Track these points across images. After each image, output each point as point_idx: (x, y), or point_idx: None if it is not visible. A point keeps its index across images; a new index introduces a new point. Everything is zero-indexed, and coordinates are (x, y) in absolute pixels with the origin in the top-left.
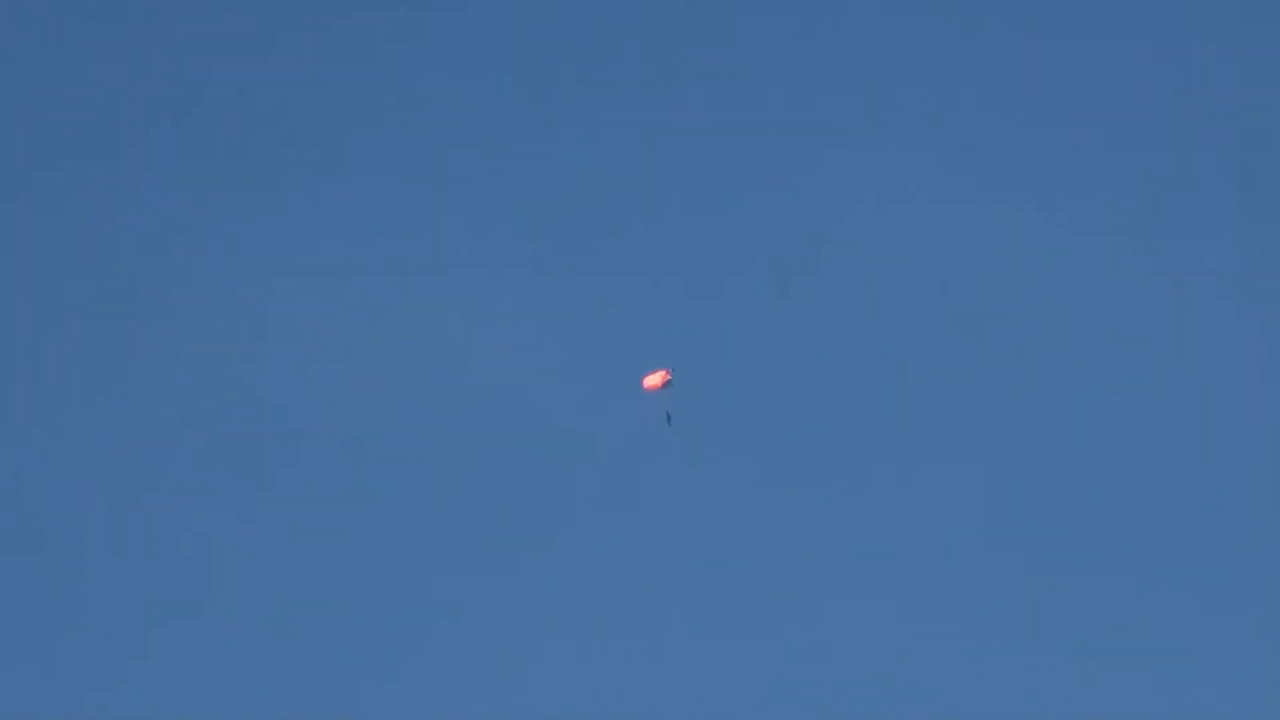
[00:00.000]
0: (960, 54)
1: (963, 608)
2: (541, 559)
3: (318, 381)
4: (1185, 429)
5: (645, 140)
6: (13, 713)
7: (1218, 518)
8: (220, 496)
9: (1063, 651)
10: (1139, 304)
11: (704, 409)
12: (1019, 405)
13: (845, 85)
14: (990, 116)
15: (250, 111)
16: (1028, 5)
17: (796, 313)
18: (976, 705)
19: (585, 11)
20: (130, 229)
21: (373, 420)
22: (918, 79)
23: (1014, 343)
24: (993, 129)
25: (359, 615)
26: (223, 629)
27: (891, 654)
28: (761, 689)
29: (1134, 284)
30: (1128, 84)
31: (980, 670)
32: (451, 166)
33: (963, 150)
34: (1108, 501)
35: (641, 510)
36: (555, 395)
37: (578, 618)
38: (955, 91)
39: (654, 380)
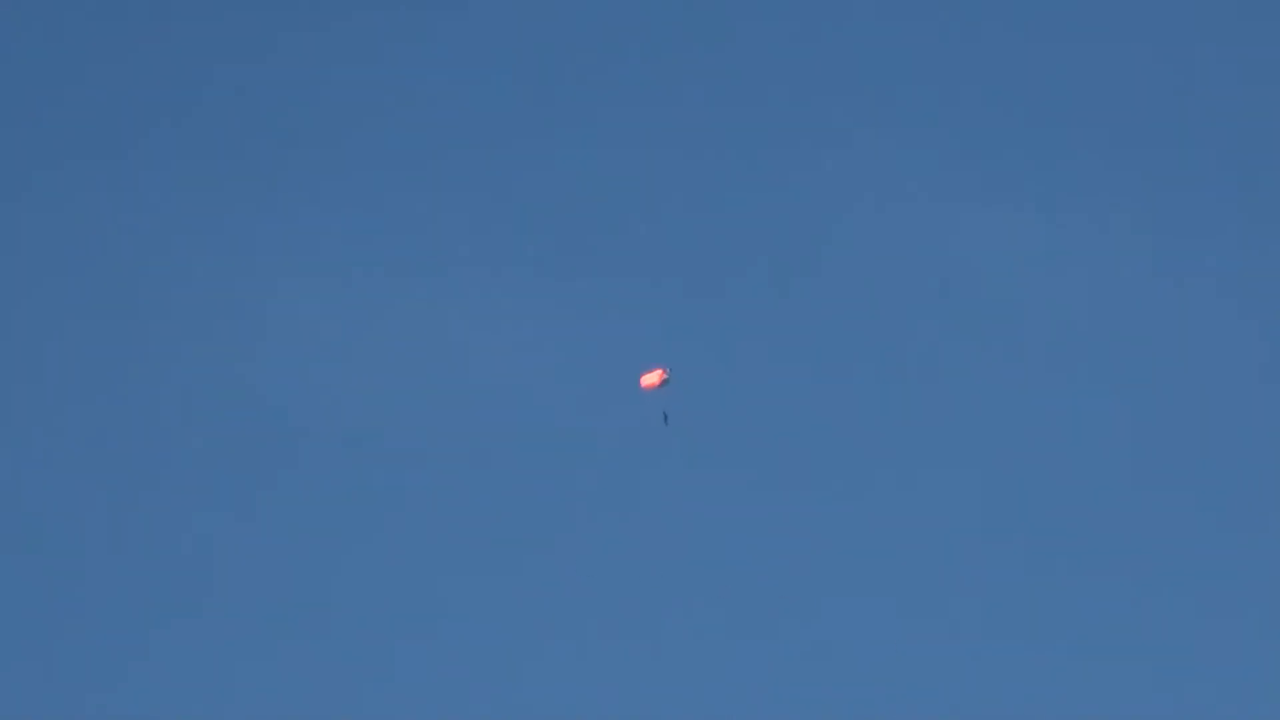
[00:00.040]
0: (960, 54)
1: (963, 608)
2: (541, 559)
3: (318, 381)
4: (1186, 428)
5: (645, 140)
6: (13, 713)
7: (1218, 518)
8: (220, 496)
9: (1063, 651)
10: (1139, 304)
11: (704, 409)
12: (1019, 405)
13: (845, 85)
14: (990, 116)
15: (250, 111)
16: (1028, 5)
17: (796, 313)
18: (976, 705)
19: (585, 12)
20: (130, 229)
21: (373, 420)
22: (918, 79)
23: (1014, 343)
24: (992, 129)
25: (359, 615)
26: (223, 629)
27: (891, 654)
28: (761, 689)
29: (1134, 284)
30: (1128, 84)
31: (980, 670)
32: (451, 166)
33: (962, 150)
34: (1108, 501)
35: (641, 510)
36: (555, 395)
37: (578, 618)
38: (955, 91)
39: (651, 379)
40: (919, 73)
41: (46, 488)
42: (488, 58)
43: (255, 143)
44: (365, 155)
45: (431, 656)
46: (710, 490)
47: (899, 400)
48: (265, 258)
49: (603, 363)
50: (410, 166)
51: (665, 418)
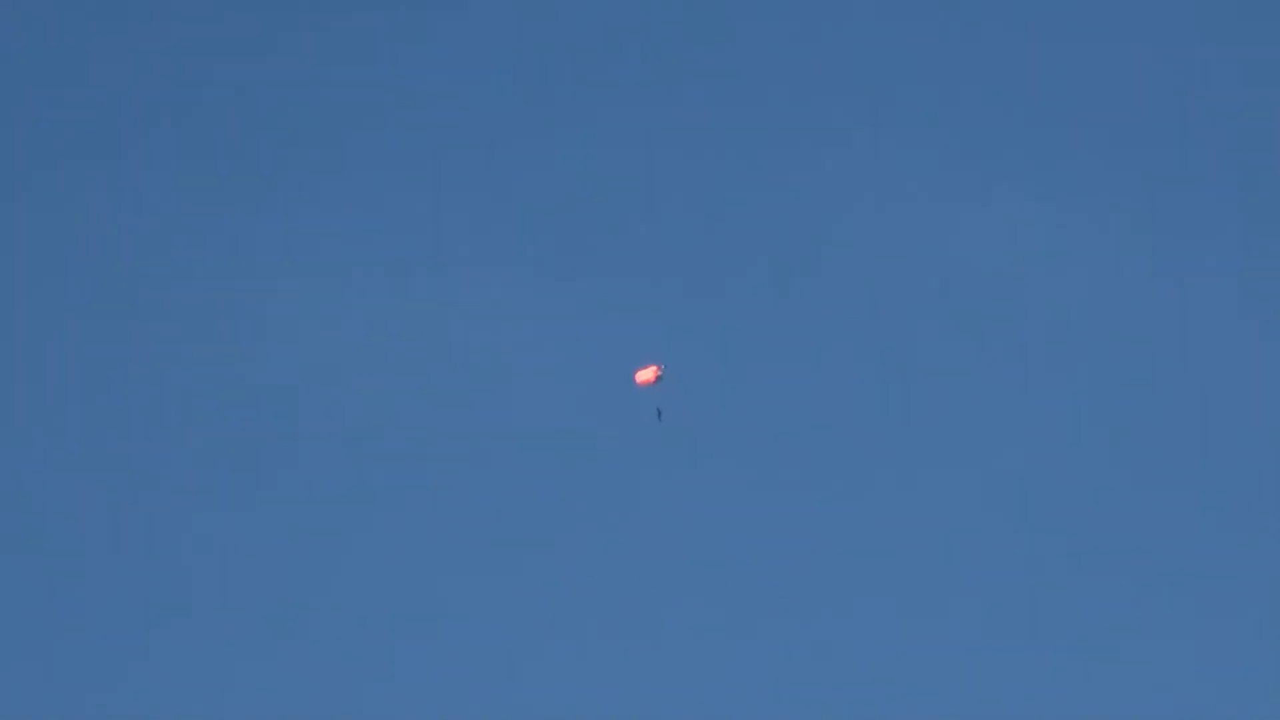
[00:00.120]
0: (960, 54)
1: (963, 608)
2: (541, 559)
3: (318, 381)
4: (1187, 428)
5: (645, 140)
6: (13, 713)
7: (1218, 517)
8: (220, 496)
9: (1063, 651)
10: (1140, 303)
11: (705, 409)
12: (1020, 405)
13: (845, 85)
14: (990, 116)
15: (250, 111)
16: (1027, 5)
17: (796, 312)
18: (976, 705)
19: (585, 12)
20: (130, 229)
21: (373, 420)
22: (917, 79)
23: (1014, 342)
24: (992, 128)
25: (359, 615)
26: (223, 629)
27: (891, 654)
28: (761, 689)
29: (1135, 283)
30: (1128, 83)
31: (980, 670)
32: (451, 166)
33: (962, 149)
34: (1108, 501)
35: (641, 510)
36: (555, 395)
37: (577, 618)
38: (955, 91)
39: (646, 375)
40: (919, 73)
41: (46, 488)
42: (488, 58)
43: (255, 143)
44: (365, 155)
45: (431, 656)
46: (710, 490)
47: (899, 400)
48: (265, 258)
49: (603, 362)
50: (410, 166)
51: (659, 414)
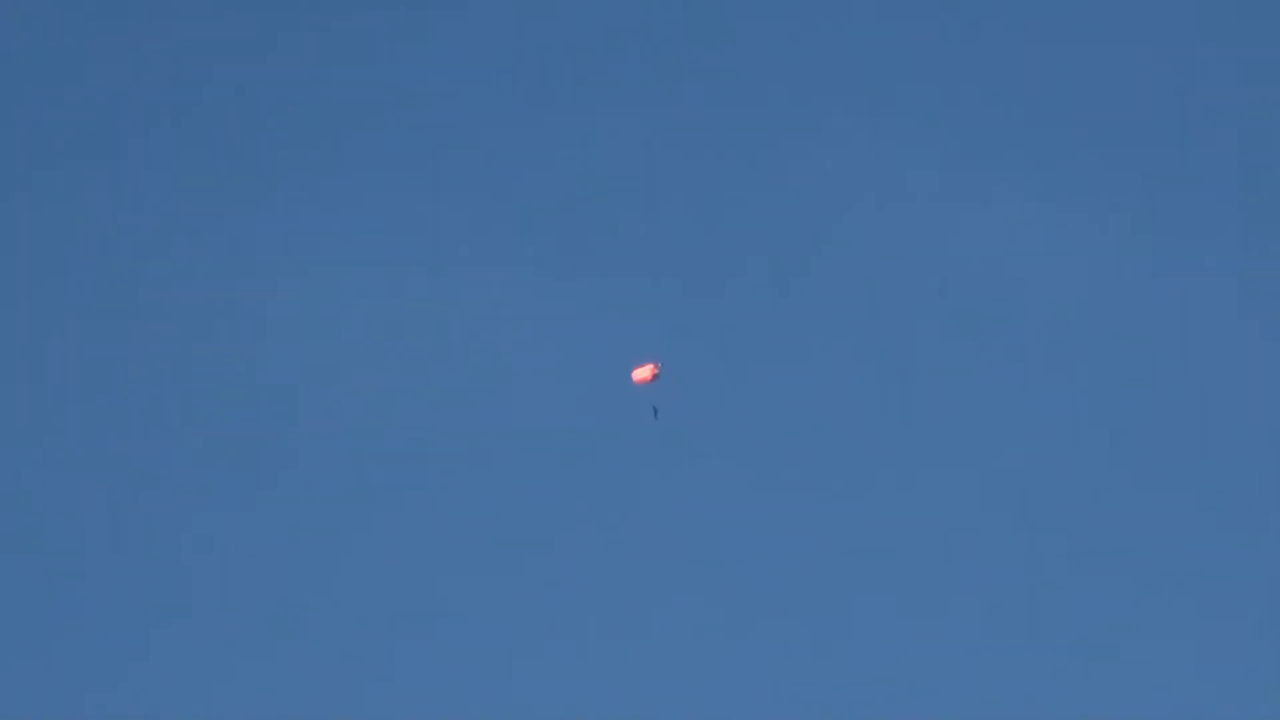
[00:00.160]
0: (960, 53)
1: (963, 608)
2: (541, 559)
3: (318, 381)
4: (1188, 427)
5: (645, 140)
6: (13, 713)
7: (1218, 517)
8: (220, 496)
9: (1063, 651)
10: (1141, 302)
11: (705, 408)
12: (1021, 404)
13: (845, 85)
14: (990, 115)
15: (250, 111)
16: (1027, 4)
17: (796, 312)
18: (976, 705)
19: (585, 11)
20: (130, 229)
21: (374, 420)
22: (917, 79)
23: (1015, 341)
24: (993, 128)
25: (358, 615)
26: (223, 629)
27: (891, 654)
28: (761, 689)
29: (1137, 282)
30: (1129, 81)
31: (980, 670)
32: (451, 166)
33: (963, 149)
34: (1108, 501)
35: (641, 510)
36: (555, 395)
37: (577, 617)
38: (955, 90)
39: (643, 373)
40: (919, 73)
41: (46, 488)
42: (488, 57)
43: (255, 143)
44: (365, 155)
45: (431, 656)
46: (710, 490)
47: (899, 399)
48: (265, 257)
49: (602, 362)
50: (410, 166)
51: (655, 412)
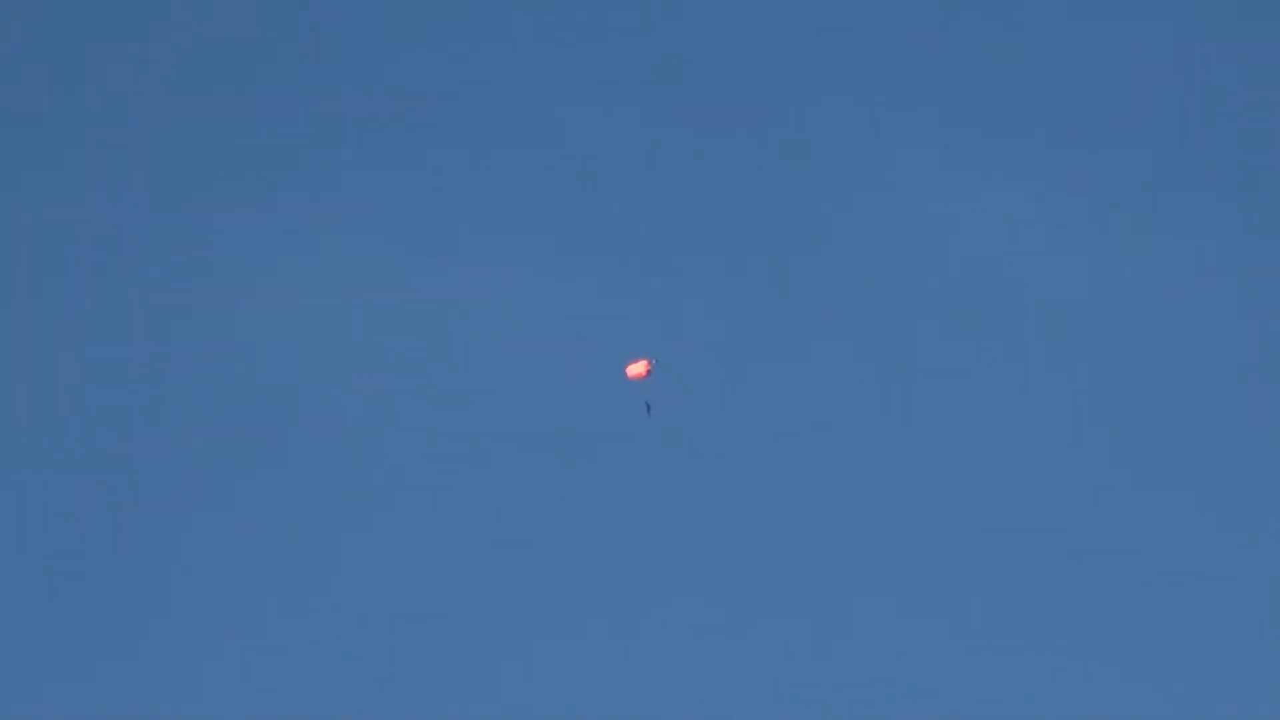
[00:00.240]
0: (959, 47)
1: (963, 608)
2: (540, 558)
3: (318, 381)
4: (1189, 426)
5: (644, 140)
6: (13, 713)
7: (1219, 516)
8: (218, 494)
9: (1063, 651)
10: (1146, 298)
11: (704, 407)
12: (1021, 402)
13: (845, 84)
14: (990, 110)
15: (250, 111)
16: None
17: (795, 308)
18: (976, 705)
19: (588, 9)
20: (130, 228)
21: (375, 419)
22: (916, 73)
23: (1015, 339)
24: (993, 122)
25: (357, 615)
26: (222, 629)
27: (892, 654)
28: (761, 689)
29: (1139, 279)
30: (1130, 75)
31: (980, 670)
32: (452, 165)
33: (962, 144)
34: (1108, 500)
35: (641, 509)
36: (555, 394)
37: (577, 617)
38: (954, 85)
39: (637, 369)
40: (917, 67)
41: (46, 487)
42: (488, 56)
43: (255, 141)
44: (365, 154)
45: (430, 656)
46: (710, 489)
47: (899, 396)
48: (266, 256)
49: (602, 361)
50: (410, 166)
51: (648, 408)
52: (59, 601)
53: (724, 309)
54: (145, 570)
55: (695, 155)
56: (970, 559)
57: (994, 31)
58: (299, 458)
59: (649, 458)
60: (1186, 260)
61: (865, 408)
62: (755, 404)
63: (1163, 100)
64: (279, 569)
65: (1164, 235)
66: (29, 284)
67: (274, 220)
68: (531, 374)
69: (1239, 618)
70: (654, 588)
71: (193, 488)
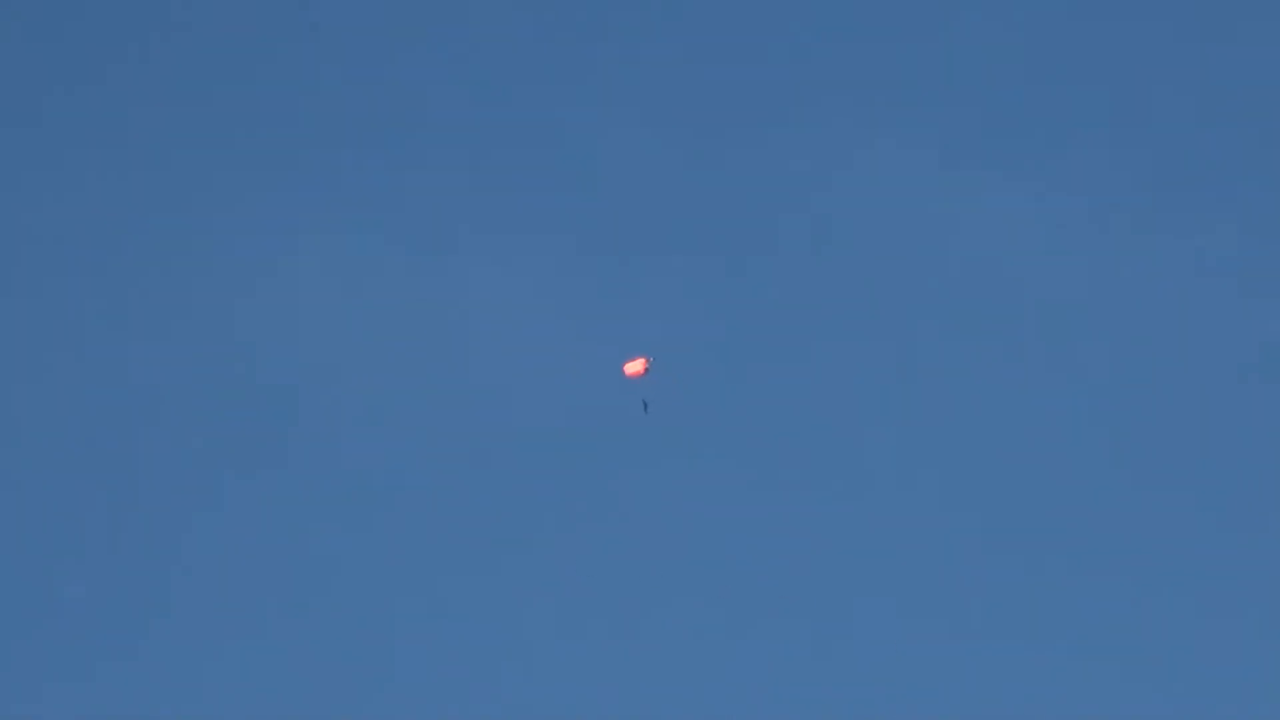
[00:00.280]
0: (958, 46)
1: (963, 608)
2: (540, 557)
3: (318, 381)
4: (1189, 425)
5: (644, 139)
6: (13, 713)
7: (1219, 516)
8: (218, 493)
9: (1063, 651)
10: (1144, 297)
11: (704, 407)
12: (1021, 401)
13: (844, 81)
14: (989, 109)
15: (250, 111)
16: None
17: (795, 308)
18: (976, 705)
19: (585, 10)
20: (131, 228)
21: (375, 419)
22: (915, 73)
23: (1015, 339)
24: (992, 122)
25: (357, 615)
26: (222, 629)
27: (891, 654)
28: (761, 689)
29: (1139, 278)
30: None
31: (980, 670)
32: (452, 166)
33: (961, 143)
34: (1108, 500)
35: (641, 509)
36: (555, 394)
37: (577, 617)
38: (953, 84)
39: (635, 367)
40: (916, 67)
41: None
42: (489, 55)
43: (257, 139)
44: (365, 154)
45: (429, 656)
46: (710, 489)
47: (900, 397)
48: (265, 256)
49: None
50: (410, 166)
51: (645, 406)
52: (59, 601)
53: (724, 309)
54: (145, 570)
55: (695, 155)
56: (970, 559)
57: (994, 31)
58: (299, 457)
59: (649, 457)
60: (1186, 260)
61: (865, 408)
62: (755, 404)
63: (1163, 100)
64: (279, 569)
65: (1164, 235)
66: (29, 284)
67: (274, 220)
68: (531, 373)
69: (1239, 618)
70: (654, 587)
71: (193, 488)
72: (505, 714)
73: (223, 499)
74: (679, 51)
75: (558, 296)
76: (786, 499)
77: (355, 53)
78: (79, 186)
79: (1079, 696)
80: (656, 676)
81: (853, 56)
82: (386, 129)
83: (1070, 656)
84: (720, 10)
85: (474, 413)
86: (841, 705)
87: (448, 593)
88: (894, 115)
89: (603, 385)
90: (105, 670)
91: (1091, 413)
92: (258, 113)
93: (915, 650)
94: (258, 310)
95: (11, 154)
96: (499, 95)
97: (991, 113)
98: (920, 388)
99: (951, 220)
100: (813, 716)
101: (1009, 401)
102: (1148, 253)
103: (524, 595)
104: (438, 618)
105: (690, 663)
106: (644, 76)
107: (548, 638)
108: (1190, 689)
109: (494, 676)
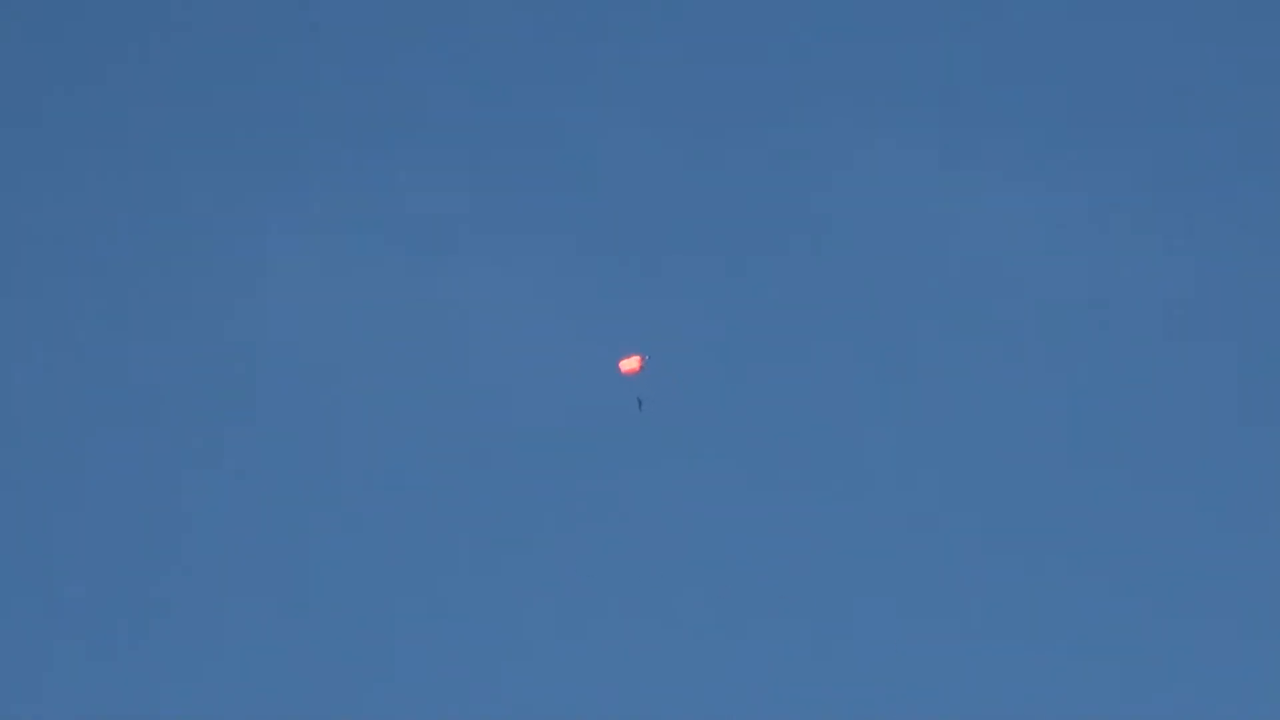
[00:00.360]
0: (957, 45)
1: (963, 608)
2: (540, 558)
3: (318, 380)
4: (1190, 425)
5: (643, 139)
6: (13, 713)
7: (1219, 516)
8: (220, 495)
9: (1063, 651)
10: (1148, 300)
11: (704, 406)
12: (1021, 401)
13: (843, 79)
14: (989, 108)
15: (250, 110)
16: None
17: (794, 307)
18: (976, 705)
19: (585, 10)
20: (131, 228)
21: (375, 419)
22: (914, 71)
23: (1015, 338)
24: (992, 121)
25: (357, 615)
26: (220, 628)
27: (891, 654)
28: (761, 689)
29: (1139, 277)
30: (1131, 72)
31: (980, 670)
32: (452, 166)
33: (960, 141)
34: (1108, 499)
35: (640, 509)
36: (557, 394)
37: (576, 617)
38: (953, 83)
39: (630, 365)
40: (915, 65)
41: (45, 486)
42: (489, 54)
43: (257, 138)
44: (365, 153)
45: (429, 655)
46: (710, 489)
47: (900, 397)
48: (265, 256)
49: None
50: (410, 166)
51: (640, 403)
52: (59, 601)
53: (723, 309)
54: (145, 570)
55: (695, 155)
56: (970, 559)
57: (994, 32)
58: (299, 457)
59: (649, 457)
60: (1186, 260)
61: (865, 408)
62: (755, 404)
63: (1163, 100)
64: (278, 569)
65: (1164, 235)
66: (29, 284)
67: (274, 220)
68: (531, 374)
69: (1239, 618)
70: (654, 587)
71: (191, 487)
72: (505, 714)
73: (222, 499)
74: (679, 51)
75: (558, 296)
76: (786, 499)
77: (355, 53)
78: (79, 186)
79: (1079, 696)
80: (656, 676)
81: (853, 56)
82: (386, 129)
83: (1070, 656)
84: (720, 10)
85: (473, 412)
86: (841, 705)
87: (447, 593)
88: (894, 115)
89: (603, 385)
90: (105, 670)
91: (1091, 412)
92: (257, 113)
93: (915, 650)
94: (258, 310)
95: (11, 154)
96: (499, 95)
97: (991, 113)
98: (920, 388)
99: (951, 220)
100: (813, 716)
101: (1009, 401)
102: (1148, 253)
103: (524, 595)
104: (437, 618)
105: (690, 663)
106: (644, 76)
107: (547, 637)
108: (1190, 689)
109: (494, 676)
